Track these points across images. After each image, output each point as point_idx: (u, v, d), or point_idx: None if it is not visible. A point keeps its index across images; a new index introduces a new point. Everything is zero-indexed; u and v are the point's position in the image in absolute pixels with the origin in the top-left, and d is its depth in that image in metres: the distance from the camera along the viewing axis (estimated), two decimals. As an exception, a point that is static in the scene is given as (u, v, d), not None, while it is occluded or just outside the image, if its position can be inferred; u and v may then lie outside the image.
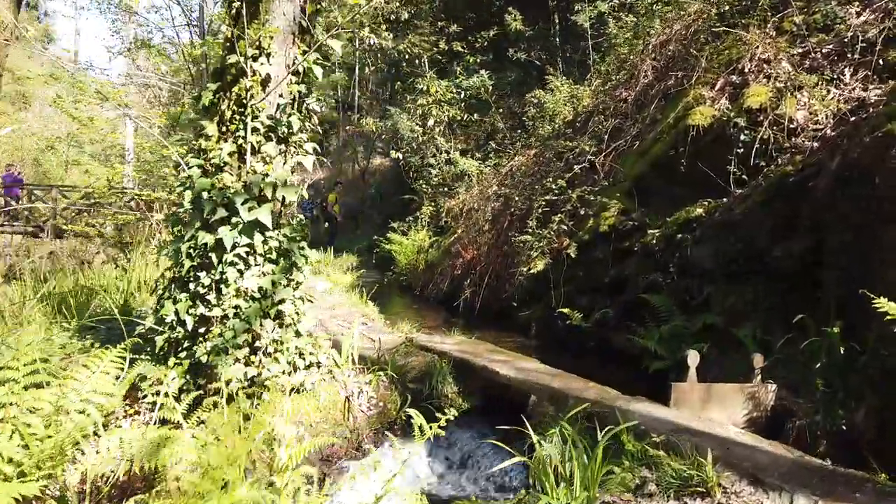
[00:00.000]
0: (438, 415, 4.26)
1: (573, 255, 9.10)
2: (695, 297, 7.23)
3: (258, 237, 4.73)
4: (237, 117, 4.63)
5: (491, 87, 16.54)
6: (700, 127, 8.05)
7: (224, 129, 4.67)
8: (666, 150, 8.57)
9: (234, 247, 4.58)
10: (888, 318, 4.66)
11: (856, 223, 5.57)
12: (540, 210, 9.77)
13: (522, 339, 9.63)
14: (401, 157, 16.74)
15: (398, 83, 21.58)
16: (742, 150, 7.48)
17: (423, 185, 15.55)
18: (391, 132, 18.19)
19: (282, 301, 4.93)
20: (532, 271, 9.72)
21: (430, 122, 15.89)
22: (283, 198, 4.92)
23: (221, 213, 4.56)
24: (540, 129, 12.79)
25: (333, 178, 35.64)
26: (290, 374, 5.12)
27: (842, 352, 5.27)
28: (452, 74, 17.22)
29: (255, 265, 4.79)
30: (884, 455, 4.97)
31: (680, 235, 7.66)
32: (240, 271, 4.66)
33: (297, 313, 5.10)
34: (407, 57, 17.28)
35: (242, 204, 4.55)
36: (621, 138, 9.80)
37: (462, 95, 16.77)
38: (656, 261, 7.98)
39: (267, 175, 4.67)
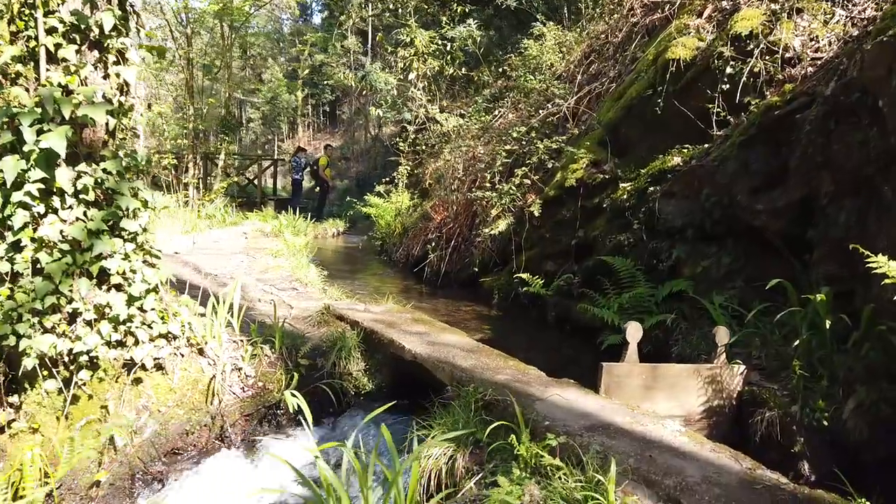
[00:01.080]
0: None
1: (537, 214, 7.94)
2: (663, 261, 6.07)
3: (64, 172, 3.65)
4: (27, 11, 3.53)
5: (479, 39, 15.24)
6: (681, 61, 6.81)
7: (14, 28, 3.58)
8: (642, 91, 7.33)
9: (19, 183, 3.51)
10: (886, 281, 3.51)
11: (852, 167, 4.37)
12: (500, 162, 8.58)
13: (483, 308, 8.54)
14: (381, 113, 15.53)
15: (379, 35, 20.28)
16: (728, 85, 6.24)
17: (401, 143, 14.36)
18: (370, 87, 16.96)
19: (104, 256, 3.87)
20: (493, 232, 8.58)
21: (412, 76, 14.66)
22: (107, 124, 3.84)
23: (7, 136, 3.49)
24: (523, 80, 11.52)
25: (348, 146, 34.51)
26: (124, 346, 4.08)
27: (828, 326, 4.12)
28: (438, 25, 15.92)
29: (66, 208, 3.73)
30: (877, 463, 3.85)
31: (652, 189, 6.47)
32: (35, 215, 3.60)
33: (132, 271, 4.03)
34: (391, 6, 15.99)
35: (30, 126, 3.47)
36: (598, 81, 8.55)
37: (448, 48, 15.48)
38: (627, 220, 6.81)
39: (68, 89, 3.59)
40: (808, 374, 4.12)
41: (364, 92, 29.79)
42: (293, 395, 4.53)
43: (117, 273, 3.96)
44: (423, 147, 14.16)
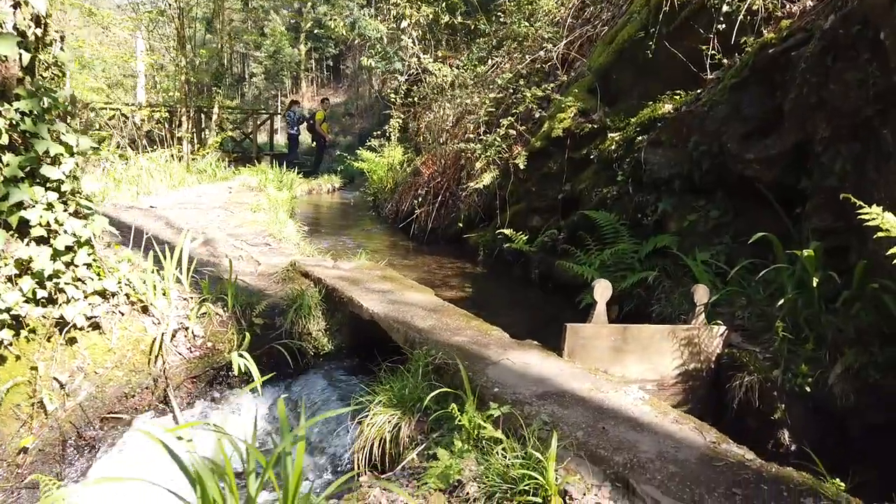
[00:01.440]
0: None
1: (522, 167, 7.54)
2: (648, 216, 5.70)
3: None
4: (-84, -70, 3.14)
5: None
6: (675, 0, 6.31)
7: None
8: (634, 33, 6.85)
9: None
10: (879, 234, 3.15)
11: (850, 109, 3.96)
12: (484, 111, 8.14)
13: (468, 265, 8.22)
14: (372, 64, 14.95)
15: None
16: (724, 25, 5.78)
17: (392, 95, 13.84)
18: (360, 37, 16.32)
19: (23, 205, 3.54)
20: (478, 186, 8.19)
21: (404, 24, 14.05)
22: (20, 58, 3.47)
23: None
24: (516, 26, 10.96)
25: (352, 102, 33.77)
26: (53, 304, 3.78)
27: (816, 284, 3.76)
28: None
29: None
30: (864, 431, 3.55)
31: (640, 139, 6.06)
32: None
33: (58, 223, 3.71)
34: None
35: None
36: (591, 24, 8.05)
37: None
38: (614, 172, 6.41)
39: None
40: (792, 337, 3.78)
41: (364, 45, 28.99)
42: (241, 356, 4.25)
43: (39, 224, 3.64)
44: (416, 100, 13.65)
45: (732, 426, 3.88)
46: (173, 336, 4.36)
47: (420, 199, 10.07)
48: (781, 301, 3.83)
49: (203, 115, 19.26)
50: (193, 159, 14.66)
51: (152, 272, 4.54)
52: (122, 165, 11.88)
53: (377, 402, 3.35)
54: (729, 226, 5.12)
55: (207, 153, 15.73)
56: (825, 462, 3.67)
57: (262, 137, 22.87)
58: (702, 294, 3.96)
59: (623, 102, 7.06)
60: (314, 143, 22.80)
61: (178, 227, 7.72)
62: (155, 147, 14.61)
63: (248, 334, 4.52)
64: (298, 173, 19.42)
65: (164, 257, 4.65)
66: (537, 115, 7.76)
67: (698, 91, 5.69)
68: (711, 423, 4.02)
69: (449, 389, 3.10)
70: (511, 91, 8.19)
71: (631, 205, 5.89)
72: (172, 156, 14.17)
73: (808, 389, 3.62)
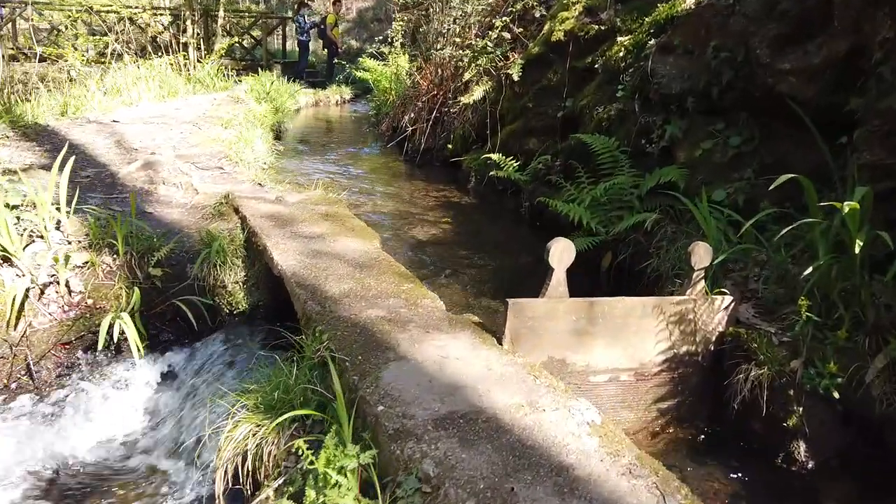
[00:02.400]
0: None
1: (516, 78, 6.39)
2: (654, 141, 4.61)
3: None
4: None
5: None
6: None
7: None
8: None
9: None
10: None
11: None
12: (472, 8, 6.90)
13: (458, 193, 7.22)
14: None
15: None
16: None
17: (395, -5, 12.46)
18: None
19: None
20: (469, 101, 7.08)
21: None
22: None
23: None
24: None
25: (380, 6, 31.76)
26: None
27: (859, 246, 2.73)
28: None
29: None
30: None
31: (651, 43, 4.88)
32: None
33: None
34: None
35: None
36: None
37: None
38: (623, 84, 5.26)
39: None
40: (820, 319, 2.79)
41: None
42: (119, 318, 3.42)
43: None
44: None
45: (733, 430, 2.97)
46: (42, 292, 3.54)
47: (413, 116, 8.97)
48: (810, 269, 2.80)
49: (210, 20, 18.00)
50: (189, 67, 13.60)
51: (19, 209, 3.69)
52: (119, 73, 11.01)
53: (243, 405, 2.49)
54: (752, 157, 4.03)
55: (207, 62, 14.62)
56: (855, 486, 2.76)
57: (278, 44, 21.60)
58: (702, 254, 2.96)
59: (639, -1, 5.81)
60: (325, 49, 21.47)
61: (129, 147, 6.84)
62: (160, 54, 13.59)
63: (136, 289, 3.67)
64: (302, 83, 18.30)
65: (41, 189, 3.78)
66: (537, 15, 6.52)
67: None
68: (705, 424, 3.13)
69: (326, 397, 2.23)
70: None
71: (635, 127, 4.79)
72: (173, 64, 13.17)
73: (837, 389, 2.65)
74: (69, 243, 3.83)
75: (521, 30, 6.52)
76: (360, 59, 14.32)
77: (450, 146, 7.83)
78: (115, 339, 3.44)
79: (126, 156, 6.46)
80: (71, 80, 11.71)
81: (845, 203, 2.57)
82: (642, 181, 4.51)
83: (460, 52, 7.01)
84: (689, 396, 3.07)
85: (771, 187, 2.81)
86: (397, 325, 2.75)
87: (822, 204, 2.83)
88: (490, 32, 6.67)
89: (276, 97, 11.05)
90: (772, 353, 2.85)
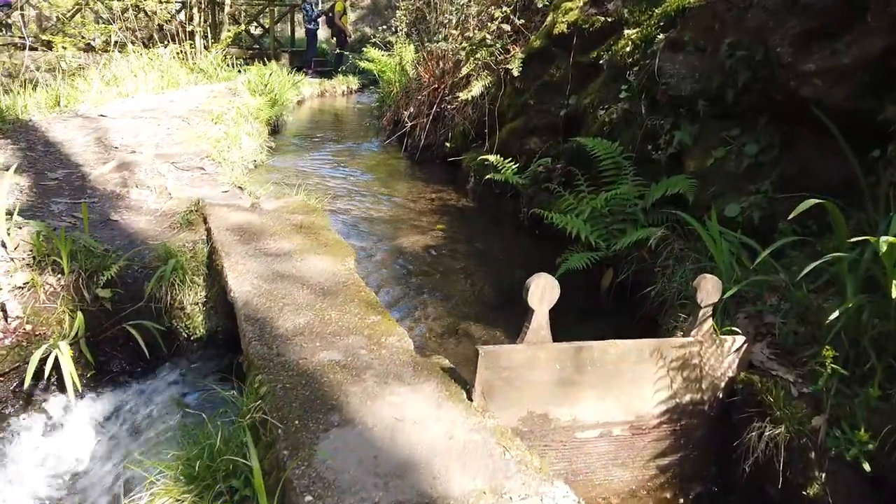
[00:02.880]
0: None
1: (516, 74, 5.96)
2: (661, 147, 4.17)
3: None
4: None
5: None
6: None
7: None
8: None
9: None
10: None
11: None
12: (477, 1, 6.46)
13: (456, 195, 6.81)
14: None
15: None
16: None
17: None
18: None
19: None
20: (467, 97, 6.65)
21: None
22: None
23: None
24: None
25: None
26: None
27: (895, 291, 2.30)
28: None
29: None
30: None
31: (660, 38, 4.43)
32: None
33: None
34: None
35: None
36: None
37: None
38: (628, 83, 4.82)
39: None
40: (847, 372, 2.37)
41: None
42: (56, 348, 3.07)
43: None
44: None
45: (744, 494, 2.57)
46: (-28, 318, 3.20)
47: (414, 110, 8.55)
48: (836, 313, 2.38)
49: (217, 7, 17.62)
50: (192, 56, 13.25)
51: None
52: (121, 63, 10.72)
53: (163, 473, 2.12)
54: (770, 168, 3.60)
55: (216, 50, 14.23)
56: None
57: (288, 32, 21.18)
58: (710, 290, 2.55)
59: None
60: (333, 38, 21.04)
61: (108, 145, 6.51)
62: (166, 43, 13.26)
63: (81, 314, 3.31)
64: (310, 72, 17.89)
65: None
66: (540, 5, 6.07)
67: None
68: (712, 484, 2.73)
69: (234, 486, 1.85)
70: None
71: (640, 131, 4.36)
72: (178, 53, 12.84)
73: (866, 457, 2.24)
74: (12, 260, 3.48)
75: (522, 21, 6.08)
76: (365, 49, 13.84)
77: (448, 144, 7.41)
78: (48, 373, 3.08)
79: (103, 155, 6.11)
80: (70, 71, 11.45)
81: (881, 239, 2.15)
82: (647, 192, 4.09)
83: (457, 45, 6.56)
84: (693, 451, 2.67)
85: (791, 215, 2.38)
86: (352, 373, 2.36)
87: (853, 240, 2.40)
88: (489, 24, 6.23)
89: (274, 89, 10.63)
90: (790, 407, 2.44)
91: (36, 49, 12.32)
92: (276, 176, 7.07)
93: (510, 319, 3.91)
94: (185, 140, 6.83)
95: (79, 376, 3.29)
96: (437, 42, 7.95)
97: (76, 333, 3.28)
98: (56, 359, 3.07)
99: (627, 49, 4.95)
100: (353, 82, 17.98)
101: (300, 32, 20.19)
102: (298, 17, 20.15)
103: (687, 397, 2.61)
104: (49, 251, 3.52)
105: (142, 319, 3.48)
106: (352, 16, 26.40)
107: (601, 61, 5.25)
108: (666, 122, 4.13)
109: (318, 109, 14.44)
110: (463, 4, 6.97)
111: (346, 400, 2.17)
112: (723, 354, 2.63)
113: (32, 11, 16.43)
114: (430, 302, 4.14)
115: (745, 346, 2.65)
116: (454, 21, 6.67)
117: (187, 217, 4.42)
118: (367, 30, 27.73)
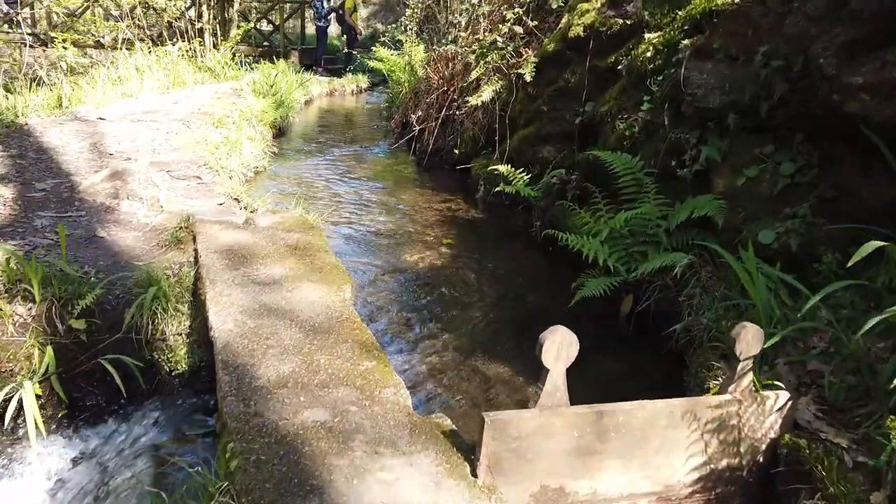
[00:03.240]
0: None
1: (529, 79, 5.63)
2: (686, 163, 3.84)
3: None
4: None
5: None
6: None
7: None
8: None
9: None
10: None
11: None
12: (483, 6, 6.12)
13: (466, 205, 6.47)
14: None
15: None
16: None
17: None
18: None
19: None
20: (476, 103, 6.33)
21: None
22: None
23: None
24: None
25: None
26: None
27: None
28: None
29: None
30: None
31: (686, 43, 4.09)
32: None
33: None
34: None
35: None
36: None
37: None
38: (648, 90, 4.49)
39: None
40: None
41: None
42: (21, 386, 2.79)
43: None
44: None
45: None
46: (-68, 355, 2.92)
47: (423, 113, 8.23)
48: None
49: (226, 4, 17.36)
50: (198, 54, 13.00)
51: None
52: (128, 61, 10.49)
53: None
54: (809, 189, 3.26)
55: (225, 47, 13.97)
56: None
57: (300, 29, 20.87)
58: (751, 341, 2.22)
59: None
60: (343, 35, 20.75)
61: (103, 151, 6.25)
62: (175, 40, 13.02)
63: (50, 348, 3.03)
64: (320, 70, 17.62)
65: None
66: (555, 6, 5.73)
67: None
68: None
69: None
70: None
71: (664, 145, 4.02)
72: (187, 51, 12.61)
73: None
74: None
75: (536, 23, 5.74)
76: (374, 48, 13.51)
77: (457, 151, 7.09)
78: (13, 414, 2.80)
79: (96, 162, 5.85)
80: (79, 69, 11.23)
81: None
82: (671, 212, 3.76)
83: (466, 48, 6.23)
84: (730, 523, 2.34)
85: (850, 263, 2.05)
86: (339, 439, 2.06)
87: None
88: (500, 26, 5.89)
89: (280, 90, 10.34)
90: (844, 481, 2.11)
91: (46, 46, 12.14)
92: (276, 184, 6.79)
93: (521, 352, 3.60)
94: (183, 146, 6.55)
95: (49, 416, 3.05)
96: (446, 45, 7.62)
97: (46, 370, 3.01)
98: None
99: (648, 54, 4.61)
100: (363, 81, 17.66)
101: (311, 29, 19.88)
102: (309, 13, 19.85)
103: (723, 463, 2.29)
104: (21, 277, 3.24)
105: (120, 352, 3.20)
106: (364, 12, 26.10)
107: (620, 67, 4.91)
108: (692, 135, 3.79)
109: (327, 109, 14.14)
110: (473, 5, 6.63)
111: (330, 478, 1.87)
112: (764, 414, 2.30)
113: (43, 9, 16.27)
114: (434, 332, 3.83)
115: (790, 402, 2.33)
116: (463, 23, 6.34)
117: (176, 234, 4.14)
118: (380, 26, 27.46)
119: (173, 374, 3.27)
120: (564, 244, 3.97)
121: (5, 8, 14.18)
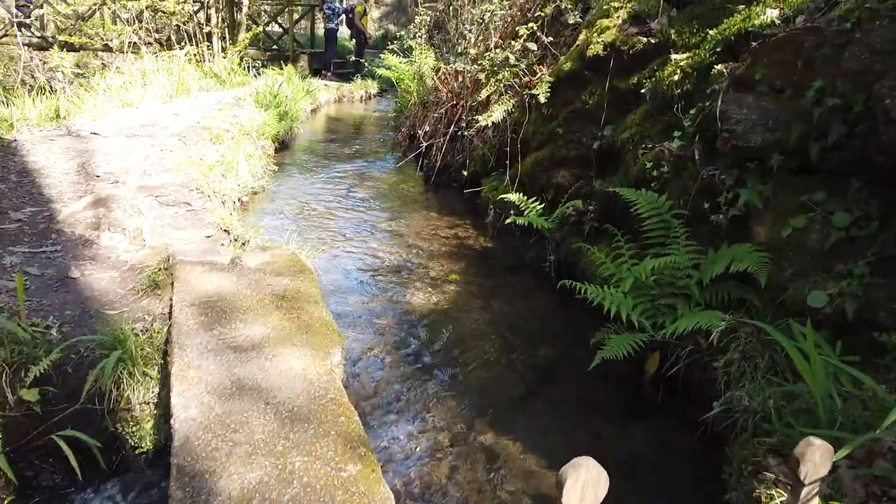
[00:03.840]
0: None
1: (543, 100, 5.20)
2: (721, 207, 3.40)
3: None
4: None
5: None
6: None
7: None
8: None
9: None
10: None
11: None
12: (499, 16, 5.70)
13: (473, 232, 6.06)
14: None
15: None
16: None
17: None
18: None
19: None
20: (486, 123, 5.90)
21: None
22: None
23: None
24: None
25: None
26: None
27: None
28: None
29: None
30: None
31: (719, 68, 3.66)
32: None
33: None
34: None
35: None
36: None
37: None
38: (676, 119, 4.05)
39: None
40: None
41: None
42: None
43: None
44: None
45: None
46: None
47: (430, 128, 7.82)
48: None
49: (234, 7, 17.04)
50: (201, 59, 12.67)
51: None
52: (132, 67, 10.20)
53: None
54: (866, 245, 2.82)
55: (233, 52, 13.64)
56: None
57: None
58: (818, 460, 1.80)
59: (700, 3, 4.57)
60: (353, 39, 20.38)
61: (91, 172, 5.90)
62: (183, 44, 12.74)
63: (36, 415, 2.66)
64: (329, 75, 17.27)
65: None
66: (571, 21, 5.30)
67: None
68: None
69: None
70: (541, -16, 5.69)
71: (695, 184, 3.59)
72: (195, 55, 12.31)
73: None
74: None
75: (550, 38, 5.31)
76: (382, 56, 13.11)
77: (466, 170, 6.68)
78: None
79: (82, 186, 5.50)
80: (90, 72, 10.94)
81: None
82: (704, 262, 3.32)
83: (476, 65, 5.82)
84: None
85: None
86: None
87: None
88: (513, 42, 5.47)
89: (284, 101, 9.97)
90: None
91: (50, 49, 11.85)
92: (274, 206, 6.40)
93: (532, 417, 3.19)
94: (176, 166, 6.18)
95: (-4, 500, 2.66)
96: (455, 62, 7.20)
97: (-11, 449, 2.63)
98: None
99: (675, 78, 4.18)
100: (372, 87, 17.29)
101: (319, 32, 19.54)
102: (319, 15, 19.48)
103: None
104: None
105: (80, 424, 2.82)
106: (376, 13, 25.70)
107: (643, 89, 4.48)
108: (728, 175, 3.35)
109: (334, 117, 13.76)
110: (484, 19, 6.22)
111: None
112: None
113: (51, 12, 15.99)
114: (435, 396, 3.41)
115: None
116: (473, 40, 5.92)
117: (154, 278, 3.77)
118: (391, 27, 27.10)
119: (137, 451, 2.88)
120: (583, 297, 3.54)
121: (14, 11, 13.91)
